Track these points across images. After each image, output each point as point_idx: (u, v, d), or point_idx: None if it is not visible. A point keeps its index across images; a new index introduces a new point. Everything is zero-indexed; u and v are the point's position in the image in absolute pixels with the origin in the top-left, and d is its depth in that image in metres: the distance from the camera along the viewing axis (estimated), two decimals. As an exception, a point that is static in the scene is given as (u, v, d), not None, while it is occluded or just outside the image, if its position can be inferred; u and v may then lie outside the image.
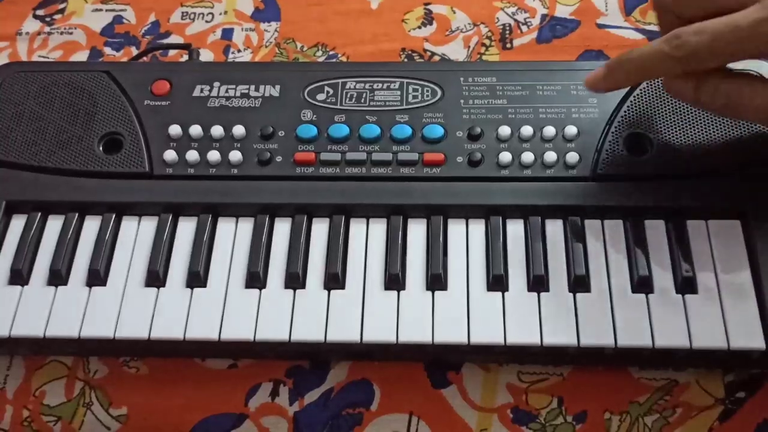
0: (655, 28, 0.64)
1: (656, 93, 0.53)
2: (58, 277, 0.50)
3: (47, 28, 0.69)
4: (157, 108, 0.55)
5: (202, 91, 0.56)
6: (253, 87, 0.56)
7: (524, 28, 0.67)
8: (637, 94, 0.53)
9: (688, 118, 0.52)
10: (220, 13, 0.70)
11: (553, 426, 0.49)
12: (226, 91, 0.56)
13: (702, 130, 0.52)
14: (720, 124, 0.52)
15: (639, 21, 0.67)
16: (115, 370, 0.52)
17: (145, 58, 0.65)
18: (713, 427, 0.48)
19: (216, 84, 0.56)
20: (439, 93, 0.55)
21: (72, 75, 0.57)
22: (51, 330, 0.48)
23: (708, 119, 0.52)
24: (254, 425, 0.50)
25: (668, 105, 0.53)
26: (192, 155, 0.53)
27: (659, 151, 0.51)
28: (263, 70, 0.57)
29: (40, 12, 0.71)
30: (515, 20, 0.67)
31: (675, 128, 0.52)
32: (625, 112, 0.53)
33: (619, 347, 0.46)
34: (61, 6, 0.71)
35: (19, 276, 0.50)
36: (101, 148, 0.54)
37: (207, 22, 0.69)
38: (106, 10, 0.70)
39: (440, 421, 0.49)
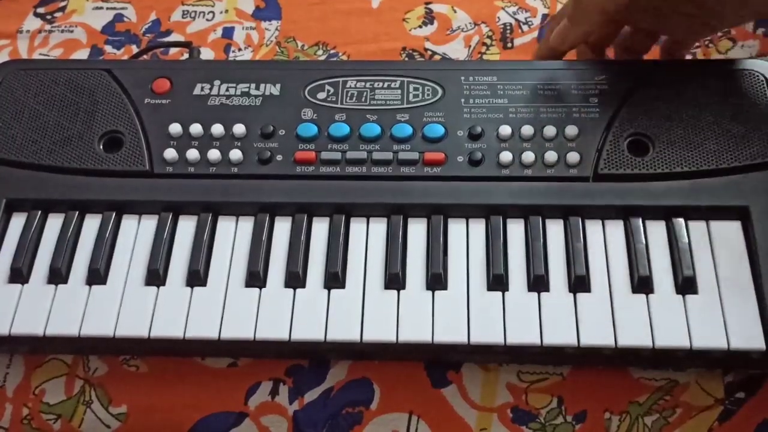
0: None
1: (657, 93, 0.53)
2: (58, 275, 0.50)
3: (48, 26, 0.69)
4: (158, 106, 0.55)
5: (202, 89, 0.56)
6: (253, 85, 0.56)
7: (525, 28, 0.67)
8: (638, 95, 0.53)
9: (690, 118, 0.52)
10: (221, 12, 0.70)
11: (553, 426, 0.49)
12: (227, 90, 0.56)
13: (703, 130, 0.51)
14: (722, 125, 0.51)
15: (640, 21, 0.67)
16: (115, 369, 0.52)
17: (145, 56, 0.65)
18: (713, 427, 0.48)
19: (216, 82, 0.56)
20: (440, 92, 0.55)
21: (72, 73, 0.57)
22: (51, 328, 0.48)
23: (709, 119, 0.52)
24: (254, 424, 0.50)
25: (669, 105, 0.52)
26: (192, 154, 0.53)
27: (660, 152, 0.51)
28: (263, 69, 0.57)
29: (40, 10, 0.71)
30: (516, 20, 0.67)
31: (676, 128, 0.52)
32: (625, 112, 0.52)
33: (619, 347, 0.46)
34: (62, 4, 0.71)
35: (19, 274, 0.50)
36: (101, 147, 0.54)
37: (208, 20, 0.69)
38: (107, 9, 0.71)
39: (440, 420, 0.49)
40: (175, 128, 0.54)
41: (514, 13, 0.68)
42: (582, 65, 0.56)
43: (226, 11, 0.69)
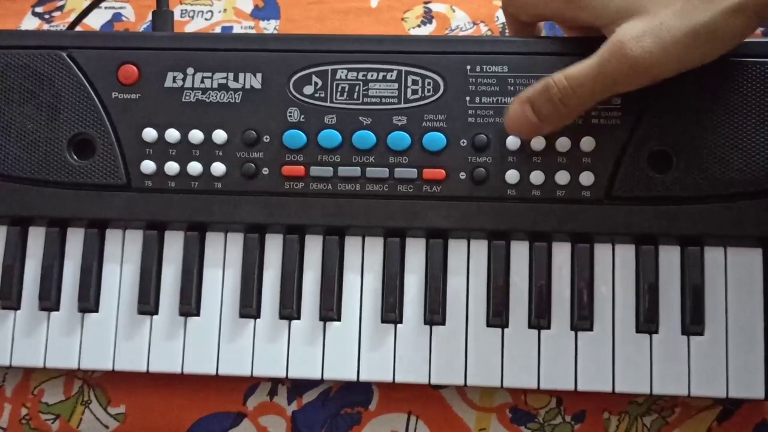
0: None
1: (692, 89, 0.46)
2: (49, 304, 0.49)
3: (46, 26, 0.65)
4: (127, 103, 0.49)
5: (174, 80, 0.49)
6: (231, 76, 0.49)
7: None
8: (669, 93, 0.46)
9: (721, 131, 0.46)
10: (220, 11, 0.65)
11: (552, 426, 0.50)
12: (202, 81, 0.49)
13: (733, 146, 0.46)
14: (754, 142, 0.46)
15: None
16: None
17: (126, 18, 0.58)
18: (712, 427, 0.49)
19: (189, 71, 0.49)
20: (442, 86, 0.48)
21: (27, 56, 0.50)
22: (50, 361, 0.49)
23: (742, 135, 0.46)
24: (252, 425, 0.51)
25: (701, 112, 0.46)
26: (172, 167, 0.48)
27: (684, 169, 0.46)
28: (240, 46, 0.49)
29: (39, 9, 0.66)
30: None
31: (706, 138, 0.46)
32: (650, 117, 0.46)
33: (616, 392, 0.46)
34: (60, 3, 0.65)
35: (10, 301, 0.49)
36: (72, 153, 0.49)
37: (206, 20, 0.64)
38: (105, 8, 0.65)
39: (439, 421, 0.51)
40: (150, 134, 0.49)
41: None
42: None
43: (225, 11, 0.64)
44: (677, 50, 0.41)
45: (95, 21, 0.65)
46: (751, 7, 0.41)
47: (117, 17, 0.65)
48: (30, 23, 0.65)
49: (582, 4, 0.45)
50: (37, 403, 0.53)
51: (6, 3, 0.65)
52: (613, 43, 0.42)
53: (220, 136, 0.48)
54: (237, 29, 0.64)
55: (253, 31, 0.63)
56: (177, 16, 0.62)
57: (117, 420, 0.52)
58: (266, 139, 0.48)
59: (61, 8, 0.65)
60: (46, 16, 0.65)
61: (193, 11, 0.65)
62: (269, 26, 0.64)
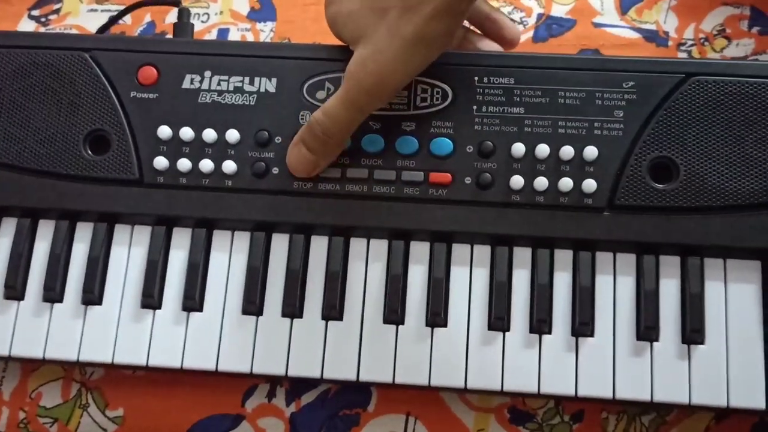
0: (651, 27, 0.61)
1: (694, 105, 0.48)
2: (53, 295, 0.49)
3: (42, 29, 0.66)
4: (145, 102, 0.51)
5: (192, 82, 0.51)
6: (247, 80, 0.51)
7: (520, 28, 0.63)
8: (670, 107, 0.48)
9: (722, 144, 0.47)
10: (216, 13, 0.66)
11: (550, 426, 0.50)
12: (218, 84, 0.51)
13: (735, 160, 0.47)
14: (756, 156, 0.47)
15: (635, 20, 0.63)
16: (111, 372, 0.53)
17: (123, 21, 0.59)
18: (709, 426, 0.49)
19: (207, 74, 0.51)
20: (450, 96, 0.49)
21: (51, 55, 0.52)
22: (50, 352, 0.49)
23: (743, 149, 0.47)
24: (251, 426, 0.51)
25: (701, 126, 0.47)
26: (184, 164, 0.49)
27: (685, 180, 0.47)
28: (258, 54, 0.51)
29: (35, 12, 0.67)
30: (511, 19, 0.61)
31: (705, 155, 0.47)
32: (652, 130, 0.48)
33: (616, 399, 0.46)
34: (57, 6, 0.67)
35: (14, 291, 0.50)
36: (87, 148, 0.51)
37: (203, 22, 0.66)
38: (102, 11, 0.67)
39: (437, 421, 0.51)
40: (165, 132, 0.50)
41: (509, 13, 0.64)
42: (614, 64, 0.49)
43: (221, 13, 0.66)
44: (397, 66, 0.44)
45: (91, 24, 0.66)
46: (449, 10, 0.43)
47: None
48: (26, 26, 0.66)
49: (335, 33, 0.49)
50: (35, 406, 0.52)
51: (2, 6, 0.66)
52: (347, 72, 0.46)
53: (233, 135, 0.50)
54: (233, 31, 0.64)
55: (250, 33, 0.64)
56: (173, 18, 0.62)
57: (115, 423, 0.52)
58: (278, 140, 0.50)
59: (57, 11, 0.66)
60: (42, 20, 0.66)
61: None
62: (266, 28, 0.64)
